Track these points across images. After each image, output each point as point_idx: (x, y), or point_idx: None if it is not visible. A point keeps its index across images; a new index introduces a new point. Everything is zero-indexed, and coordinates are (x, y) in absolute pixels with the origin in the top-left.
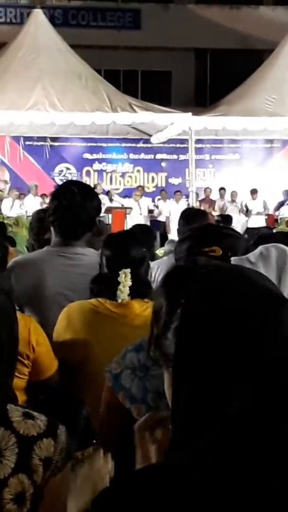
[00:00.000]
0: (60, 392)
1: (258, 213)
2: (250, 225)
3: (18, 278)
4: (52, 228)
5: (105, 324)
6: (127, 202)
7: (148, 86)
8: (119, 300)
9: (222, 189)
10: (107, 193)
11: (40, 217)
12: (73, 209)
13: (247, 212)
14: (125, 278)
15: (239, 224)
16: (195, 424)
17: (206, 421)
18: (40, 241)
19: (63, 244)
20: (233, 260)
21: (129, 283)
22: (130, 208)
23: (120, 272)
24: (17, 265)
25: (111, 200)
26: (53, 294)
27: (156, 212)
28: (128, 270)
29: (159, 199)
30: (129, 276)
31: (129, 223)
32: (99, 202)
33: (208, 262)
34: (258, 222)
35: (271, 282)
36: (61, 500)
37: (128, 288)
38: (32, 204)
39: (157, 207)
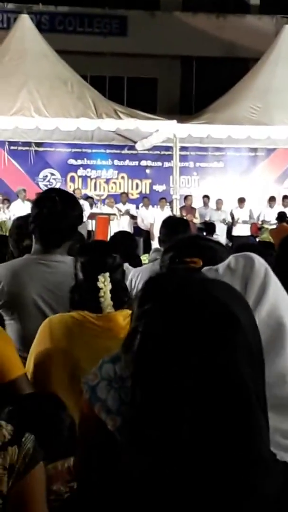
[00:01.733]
0: (44, 400)
1: (244, 222)
2: (235, 233)
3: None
4: (33, 236)
5: (90, 338)
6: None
7: (133, 92)
8: (103, 306)
9: (206, 196)
10: (87, 198)
11: (19, 224)
12: (53, 217)
13: (233, 220)
14: (105, 283)
15: (223, 232)
16: (149, 422)
17: (159, 420)
18: (19, 248)
19: (43, 251)
20: (204, 270)
21: (109, 287)
22: (114, 214)
23: (99, 277)
24: None
25: (92, 205)
26: (33, 302)
27: (138, 220)
28: (107, 274)
29: (141, 206)
30: (108, 280)
31: (113, 229)
32: (81, 210)
33: (185, 272)
34: (244, 230)
35: (235, 295)
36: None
37: (109, 293)
38: (21, 209)
39: (132, 216)
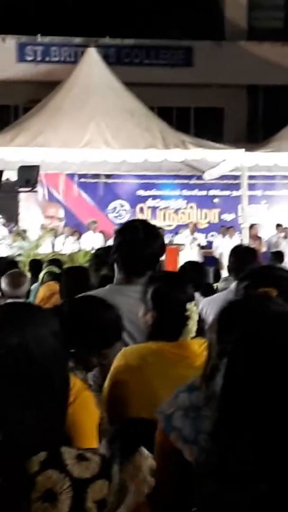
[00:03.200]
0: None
1: None
2: None
3: None
4: (115, 265)
5: (166, 367)
6: (179, 238)
7: (200, 122)
8: (184, 335)
9: (279, 225)
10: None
11: (97, 253)
12: (136, 246)
13: None
14: (193, 314)
15: None
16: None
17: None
18: (97, 277)
19: (125, 281)
20: None
21: (197, 317)
22: (183, 244)
23: (187, 306)
24: None
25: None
26: None
27: (214, 248)
28: (192, 304)
29: (212, 235)
30: (194, 309)
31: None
32: (163, 240)
33: (262, 300)
34: None
35: None
36: None
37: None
38: (93, 240)
39: (200, 246)
